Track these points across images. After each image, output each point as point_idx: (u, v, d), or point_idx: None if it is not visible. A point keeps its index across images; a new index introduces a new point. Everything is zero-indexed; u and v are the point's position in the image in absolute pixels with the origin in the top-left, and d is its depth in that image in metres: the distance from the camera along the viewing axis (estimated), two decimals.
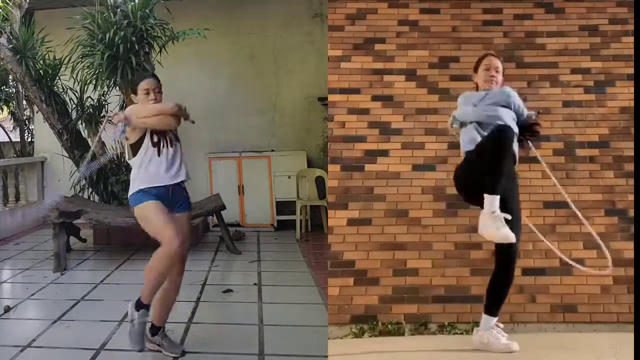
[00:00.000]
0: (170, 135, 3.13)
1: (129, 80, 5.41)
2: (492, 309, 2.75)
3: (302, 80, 7.90)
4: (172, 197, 3.09)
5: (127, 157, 3.18)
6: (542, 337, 2.79)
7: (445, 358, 2.77)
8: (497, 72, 2.94)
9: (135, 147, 3.09)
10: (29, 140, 9.56)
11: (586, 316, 3.47)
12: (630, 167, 3.83)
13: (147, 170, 3.06)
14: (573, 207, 2.89)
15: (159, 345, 3.19)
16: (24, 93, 8.13)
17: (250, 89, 7.98)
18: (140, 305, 3.06)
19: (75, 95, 6.60)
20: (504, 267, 2.73)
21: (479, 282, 3.51)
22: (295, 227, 6.86)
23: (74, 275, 5.14)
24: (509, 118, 2.78)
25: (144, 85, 3.15)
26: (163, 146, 3.08)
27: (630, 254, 3.49)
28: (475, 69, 2.99)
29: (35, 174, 8.46)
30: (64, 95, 6.68)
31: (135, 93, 3.18)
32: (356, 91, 4.20)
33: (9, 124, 9.96)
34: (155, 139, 3.07)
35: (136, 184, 3.08)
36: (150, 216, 3.02)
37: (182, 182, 3.14)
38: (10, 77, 7.86)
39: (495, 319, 2.74)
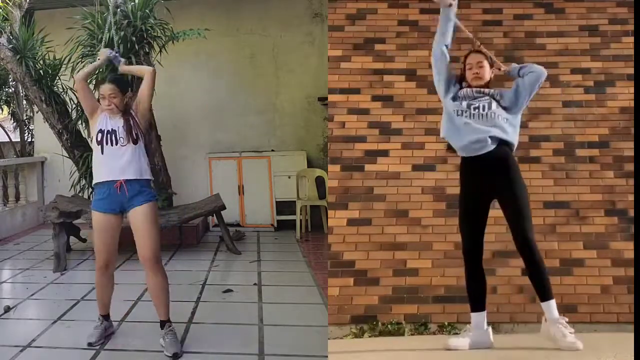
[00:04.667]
0: (122, 134, 3.20)
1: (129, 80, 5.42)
2: (541, 296, 2.76)
3: (302, 80, 7.89)
4: (122, 193, 3.18)
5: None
6: (542, 337, 2.79)
7: (445, 358, 2.77)
8: (480, 67, 2.93)
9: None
10: (29, 140, 9.56)
11: (586, 316, 3.47)
12: (630, 167, 3.83)
13: (94, 167, 3.27)
14: None
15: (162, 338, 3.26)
16: (24, 93, 8.12)
17: (250, 89, 7.98)
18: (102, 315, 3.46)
19: (75, 95, 6.58)
20: (529, 260, 2.76)
21: None
22: (295, 227, 6.86)
23: (74, 275, 5.13)
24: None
25: (100, 90, 3.27)
26: (107, 144, 3.19)
27: (630, 254, 3.49)
28: (463, 69, 2.99)
29: (35, 174, 8.47)
30: (64, 95, 6.67)
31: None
32: (356, 91, 4.20)
33: (9, 124, 9.96)
34: (99, 137, 3.21)
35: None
36: (94, 230, 3.30)
37: (138, 179, 3.22)
38: (10, 77, 7.85)
39: (552, 302, 2.73)
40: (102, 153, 3.19)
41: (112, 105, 3.21)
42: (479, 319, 2.83)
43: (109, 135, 3.19)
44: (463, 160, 2.89)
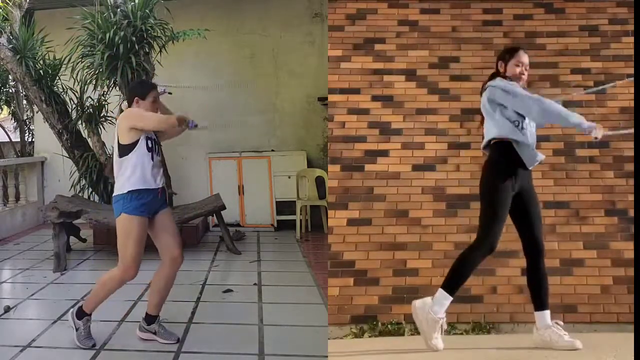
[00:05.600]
0: (159, 142, 3.37)
1: (129, 82, 5.42)
2: (537, 303, 2.78)
3: (302, 80, 7.89)
4: (159, 199, 3.29)
5: (114, 156, 3.29)
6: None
7: (445, 358, 2.77)
8: (526, 69, 2.97)
9: (126, 149, 3.19)
10: (29, 140, 9.56)
11: (586, 316, 3.48)
12: (630, 167, 3.83)
13: (141, 173, 3.18)
14: None
15: (154, 332, 3.34)
16: (24, 93, 8.12)
17: (250, 89, 7.98)
18: (82, 314, 3.30)
19: (75, 95, 6.59)
20: (536, 267, 2.77)
21: (479, 282, 3.52)
22: (295, 227, 6.86)
23: (74, 275, 5.14)
24: None
25: (155, 93, 3.35)
26: (155, 152, 3.26)
27: (630, 254, 3.49)
28: (503, 59, 2.97)
29: (35, 174, 8.47)
30: (64, 95, 6.67)
31: (143, 99, 3.30)
32: (356, 91, 4.20)
33: (9, 124, 9.95)
34: (150, 144, 3.23)
35: (128, 185, 3.18)
36: (132, 233, 3.16)
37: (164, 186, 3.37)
38: (10, 77, 7.85)
39: (548, 312, 2.75)
40: (153, 160, 3.24)
41: (160, 107, 3.41)
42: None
43: (155, 144, 3.29)
44: (506, 161, 2.83)
